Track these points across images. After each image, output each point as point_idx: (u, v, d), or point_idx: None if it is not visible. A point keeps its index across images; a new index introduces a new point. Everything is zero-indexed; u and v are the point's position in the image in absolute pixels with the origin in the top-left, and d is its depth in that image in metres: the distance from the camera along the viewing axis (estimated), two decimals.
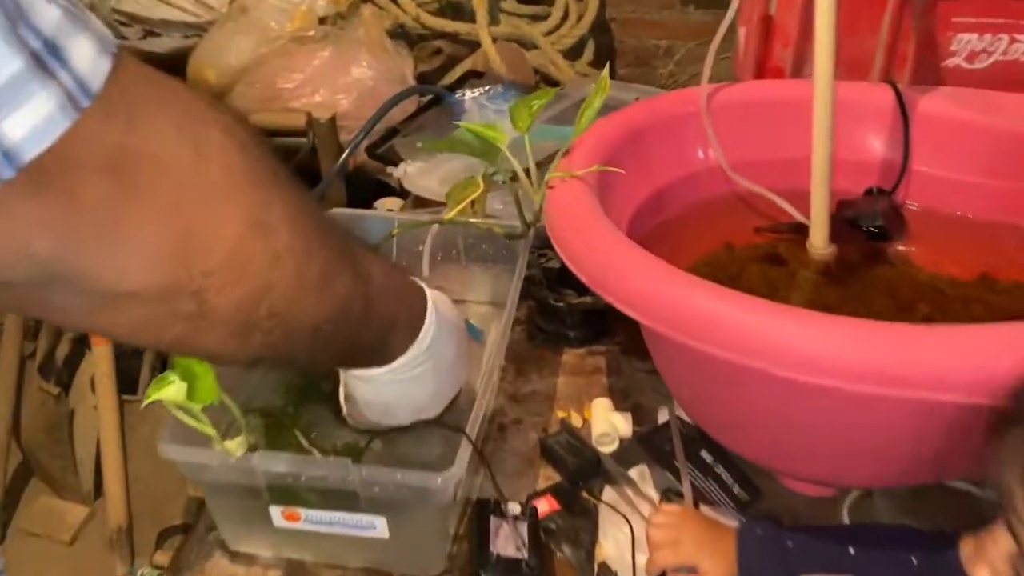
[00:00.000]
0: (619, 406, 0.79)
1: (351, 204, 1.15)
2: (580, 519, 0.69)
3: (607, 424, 0.76)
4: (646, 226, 0.78)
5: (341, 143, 1.24)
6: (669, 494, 0.69)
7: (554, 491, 0.71)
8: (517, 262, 0.79)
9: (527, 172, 0.77)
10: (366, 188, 1.18)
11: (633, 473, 0.72)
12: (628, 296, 0.59)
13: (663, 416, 0.77)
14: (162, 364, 1.79)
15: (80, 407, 1.73)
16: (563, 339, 0.88)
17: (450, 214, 0.81)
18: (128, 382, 1.72)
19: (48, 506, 1.77)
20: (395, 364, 0.61)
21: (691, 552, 0.61)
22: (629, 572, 0.64)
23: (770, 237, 0.81)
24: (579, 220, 0.66)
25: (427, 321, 0.61)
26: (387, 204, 1.09)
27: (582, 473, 0.72)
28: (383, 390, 0.64)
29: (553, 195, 0.70)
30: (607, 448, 0.75)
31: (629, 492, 0.70)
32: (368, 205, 1.10)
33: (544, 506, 0.69)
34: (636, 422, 0.77)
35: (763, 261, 0.79)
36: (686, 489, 0.69)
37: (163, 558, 1.66)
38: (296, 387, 0.75)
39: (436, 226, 0.84)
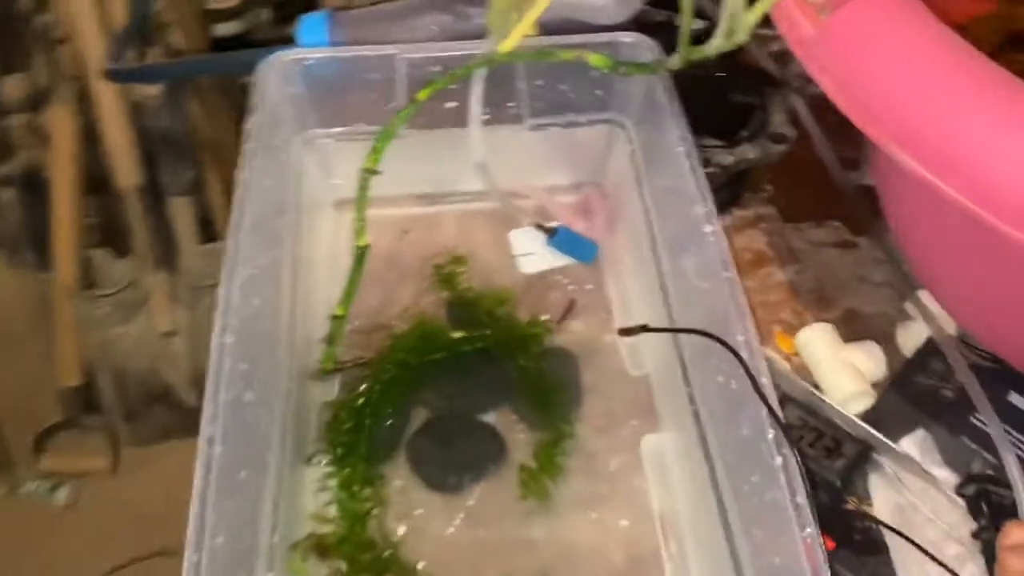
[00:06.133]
0: (823, 316, 0.50)
1: None
2: (868, 557, 0.43)
3: (844, 370, 0.47)
4: None
5: None
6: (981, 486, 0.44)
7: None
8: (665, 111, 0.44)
9: None
10: None
11: (908, 446, 0.45)
12: None
13: (911, 333, 0.49)
14: None
15: None
16: None
17: (511, 38, 0.43)
18: None
19: None
20: None
21: None
22: None
23: None
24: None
25: None
26: None
27: (848, 475, 0.44)
28: None
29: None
30: (854, 410, 0.47)
31: (909, 494, 0.44)
32: None
33: None
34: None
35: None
36: (1013, 468, 0.43)
37: (53, 463, 1.32)
38: None
39: (483, 70, 0.46)
